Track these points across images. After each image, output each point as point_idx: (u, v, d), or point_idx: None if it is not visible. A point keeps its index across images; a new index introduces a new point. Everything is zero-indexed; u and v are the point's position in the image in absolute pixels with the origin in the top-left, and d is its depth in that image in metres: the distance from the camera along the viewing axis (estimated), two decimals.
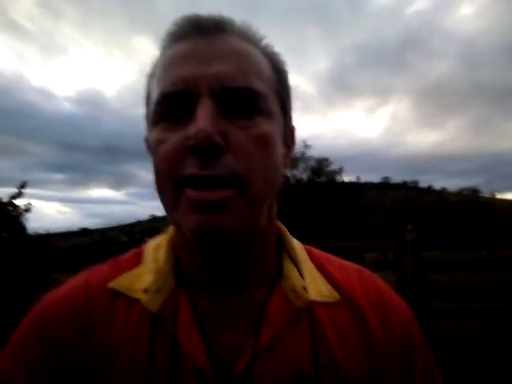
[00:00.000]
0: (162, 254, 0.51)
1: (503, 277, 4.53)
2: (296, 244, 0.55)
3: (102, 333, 0.45)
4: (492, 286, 4.31)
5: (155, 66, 0.48)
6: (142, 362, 0.44)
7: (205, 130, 0.38)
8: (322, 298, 0.49)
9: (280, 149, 0.48)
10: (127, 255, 0.55)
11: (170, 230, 0.54)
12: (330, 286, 0.51)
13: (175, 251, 0.51)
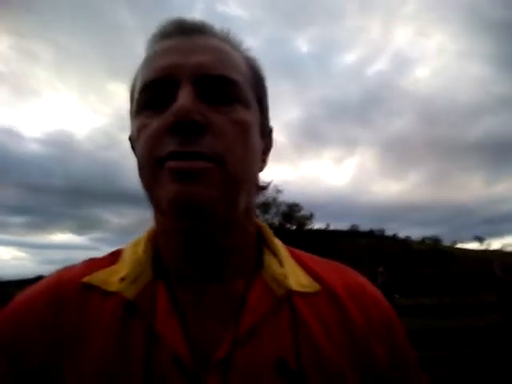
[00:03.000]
0: (141, 247, 0.50)
1: (471, 323, 4.64)
2: (277, 240, 0.56)
3: (74, 329, 0.44)
4: (461, 333, 4.38)
5: (139, 67, 0.49)
6: (114, 350, 0.42)
7: (185, 107, 0.40)
8: (302, 289, 0.50)
9: (257, 139, 0.49)
10: (104, 255, 0.54)
11: (151, 227, 0.53)
12: (310, 278, 0.52)
13: (156, 244, 0.51)
